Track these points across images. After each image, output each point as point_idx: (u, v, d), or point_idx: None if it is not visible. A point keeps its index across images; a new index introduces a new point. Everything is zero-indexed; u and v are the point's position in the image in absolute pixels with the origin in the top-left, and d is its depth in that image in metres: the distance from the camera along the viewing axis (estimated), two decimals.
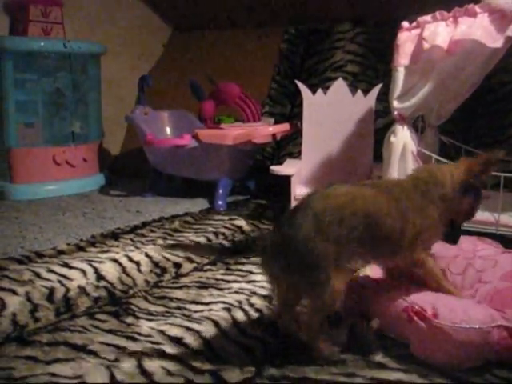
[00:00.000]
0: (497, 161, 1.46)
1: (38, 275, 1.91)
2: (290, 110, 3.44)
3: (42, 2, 3.28)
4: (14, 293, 1.77)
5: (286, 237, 1.29)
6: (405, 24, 2.19)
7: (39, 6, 3.26)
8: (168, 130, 3.37)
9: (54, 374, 1.32)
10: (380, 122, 2.83)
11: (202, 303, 1.70)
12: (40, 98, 3.26)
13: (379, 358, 1.39)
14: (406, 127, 2.19)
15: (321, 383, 1.27)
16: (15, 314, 1.64)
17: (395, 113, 2.19)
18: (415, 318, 1.33)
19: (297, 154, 3.07)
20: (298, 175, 2.57)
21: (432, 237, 1.45)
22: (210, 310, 1.65)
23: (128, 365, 1.34)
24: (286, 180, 2.67)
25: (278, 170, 2.55)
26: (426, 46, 2.06)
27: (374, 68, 3.31)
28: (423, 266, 1.44)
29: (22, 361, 1.39)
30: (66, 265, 1.99)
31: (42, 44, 3.19)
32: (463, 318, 1.27)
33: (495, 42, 1.95)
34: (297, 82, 2.68)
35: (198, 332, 1.51)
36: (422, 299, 1.38)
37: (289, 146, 3.23)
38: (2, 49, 3.06)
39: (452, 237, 1.49)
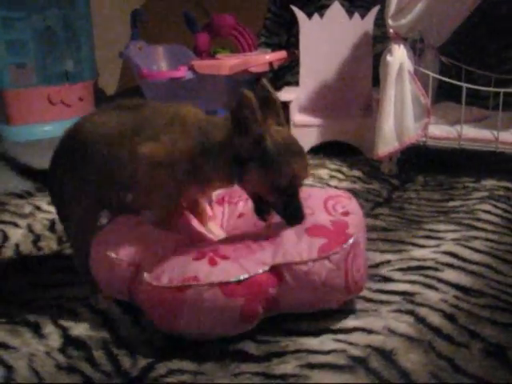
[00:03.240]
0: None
1: (38, 208, 1.92)
2: (287, 40, 3.36)
3: None
4: (16, 225, 1.78)
5: None
6: None
7: None
8: (163, 64, 3.30)
9: (60, 297, 1.33)
10: (379, 47, 2.76)
11: None
12: (30, 36, 3.17)
13: (384, 271, 1.40)
14: (402, 46, 2.14)
15: None
16: (18, 245, 1.65)
17: (391, 31, 2.13)
18: None
19: (294, 83, 3.01)
20: (296, 102, 2.53)
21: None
22: None
23: None
24: (286, 108, 2.64)
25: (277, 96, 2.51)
26: None
27: None
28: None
29: (28, 286, 1.40)
30: None
31: None
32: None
33: None
34: (292, 7, 2.61)
35: None
36: None
37: (286, 75, 3.17)
38: None
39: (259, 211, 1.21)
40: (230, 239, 1.24)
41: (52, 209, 1.88)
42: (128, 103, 1.29)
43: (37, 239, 1.68)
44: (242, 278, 1.08)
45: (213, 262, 1.11)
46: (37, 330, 1.20)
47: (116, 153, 1.23)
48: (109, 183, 1.27)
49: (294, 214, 1.17)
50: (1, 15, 3.02)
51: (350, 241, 1.15)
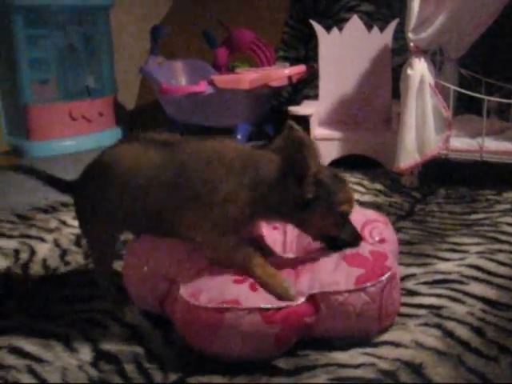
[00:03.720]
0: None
1: (64, 223, 1.94)
2: (305, 54, 3.39)
3: None
4: (42, 240, 1.81)
5: None
6: None
7: None
8: (183, 79, 3.34)
9: (89, 310, 1.35)
10: (397, 60, 2.78)
11: None
12: (52, 53, 3.23)
13: (410, 285, 1.40)
14: (422, 59, 2.15)
15: None
16: (45, 260, 1.67)
17: (411, 44, 2.15)
18: None
19: (313, 97, 3.03)
20: (316, 115, 2.55)
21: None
22: None
23: None
24: (304, 122, 2.65)
25: (296, 110, 2.53)
26: None
27: (388, 5, 3.24)
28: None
29: (57, 300, 1.42)
30: None
31: None
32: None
33: None
34: (311, 21, 2.64)
35: None
36: None
37: (305, 89, 3.19)
38: (11, 5, 3.01)
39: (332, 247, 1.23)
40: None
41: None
42: (161, 139, 1.27)
43: (63, 254, 1.71)
44: (281, 305, 1.10)
45: (253, 288, 1.12)
46: (68, 343, 1.22)
47: (159, 199, 1.21)
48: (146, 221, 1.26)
49: (353, 237, 1.21)
50: (26, 34, 3.08)
51: (388, 274, 1.16)
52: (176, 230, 1.21)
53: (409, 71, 2.15)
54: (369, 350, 1.13)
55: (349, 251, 1.20)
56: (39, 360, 1.17)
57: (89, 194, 1.31)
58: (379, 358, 1.10)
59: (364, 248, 1.22)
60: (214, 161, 1.17)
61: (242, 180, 1.15)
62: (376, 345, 1.15)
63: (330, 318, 1.13)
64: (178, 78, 3.33)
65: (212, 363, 1.12)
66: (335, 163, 2.50)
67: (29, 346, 1.22)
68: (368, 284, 1.13)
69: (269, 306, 1.09)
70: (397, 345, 1.14)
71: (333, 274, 1.15)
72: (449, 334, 1.18)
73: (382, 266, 1.17)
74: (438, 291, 1.36)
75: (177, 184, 1.18)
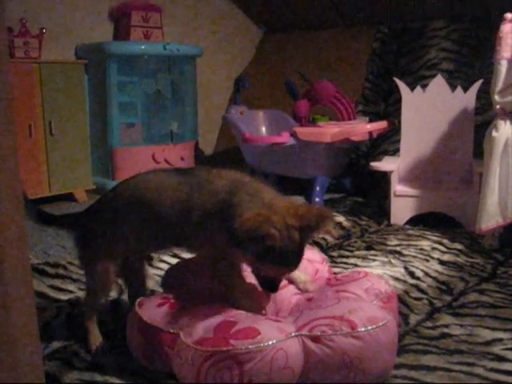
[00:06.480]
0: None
1: (150, 265, 2.02)
2: (384, 109, 3.44)
3: (143, 9, 3.43)
4: None
5: None
6: (508, 16, 2.17)
7: (140, 12, 3.42)
8: (263, 129, 3.44)
9: None
10: (478, 119, 2.79)
11: None
12: (140, 99, 3.40)
13: (497, 350, 1.40)
14: (508, 122, 2.17)
15: (437, 369, 1.30)
16: None
17: (497, 107, 2.17)
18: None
19: (392, 152, 3.06)
20: (396, 172, 2.57)
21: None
22: None
23: None
24: (382, 178, 2.68)
25: (379, 166, 2.56)
26: None
27: (469, 65, 3.27)
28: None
29: None
30: (175, 255, 2.09)
31: (143, 47, 3.33)
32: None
33: None
34: (395, 79, 2.69)
35: None
36: None
37: (384, 144, 3.23)
38: (108, 53, 3.21)
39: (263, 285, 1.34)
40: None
41: (163, 265, 1.99)
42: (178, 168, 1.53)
43: (151, 293, 1.77)
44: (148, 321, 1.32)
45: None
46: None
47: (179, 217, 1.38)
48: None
49: (268, 287, 1.34)
50: (118, 80, 3.26)
51: (213, 349, 1.18)
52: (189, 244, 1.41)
53: (494, 133, 2.16)
54: None
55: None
56: None
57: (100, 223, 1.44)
58: None
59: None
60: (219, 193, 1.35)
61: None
62: None
63: None
64: (259, 127, 3.43)
65: None
66: (414, 220, 2.51)
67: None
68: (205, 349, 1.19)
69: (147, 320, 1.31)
70: None
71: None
72: None
73: (226, 339, 1.19)
74: None
75: (188, 206, 1.35)
